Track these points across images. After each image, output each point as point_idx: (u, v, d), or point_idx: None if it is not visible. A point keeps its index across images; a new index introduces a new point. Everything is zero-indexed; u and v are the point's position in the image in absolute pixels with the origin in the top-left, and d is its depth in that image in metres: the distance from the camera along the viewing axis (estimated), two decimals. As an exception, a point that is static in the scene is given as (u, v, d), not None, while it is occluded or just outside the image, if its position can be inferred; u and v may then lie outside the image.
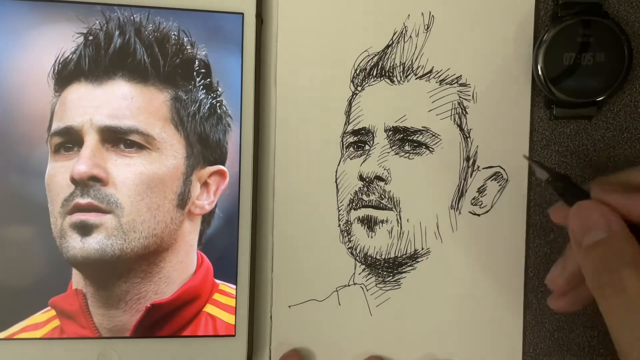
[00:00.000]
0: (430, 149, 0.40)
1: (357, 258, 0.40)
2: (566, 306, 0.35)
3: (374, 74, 0.40)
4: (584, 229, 0.32)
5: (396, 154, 0.40)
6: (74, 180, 0.36)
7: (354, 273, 0.40)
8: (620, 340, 0.30)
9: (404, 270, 0.40)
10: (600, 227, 0.31)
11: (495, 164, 0.41)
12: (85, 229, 0.37)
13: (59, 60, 0.37)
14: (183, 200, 0.38)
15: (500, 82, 0.40)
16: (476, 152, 0.40)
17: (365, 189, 0.40)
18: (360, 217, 0.40)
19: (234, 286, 0.38)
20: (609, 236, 0.31)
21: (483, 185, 0.41)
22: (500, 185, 0.41)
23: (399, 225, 0.40)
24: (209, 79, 0.38)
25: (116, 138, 0.37)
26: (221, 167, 0.38)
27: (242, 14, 0.38)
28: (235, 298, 0.38)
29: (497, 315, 0.41)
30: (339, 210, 0.40)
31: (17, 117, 0.37)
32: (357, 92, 0.40)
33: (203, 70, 0.38)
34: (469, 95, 0.40)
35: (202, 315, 0.38)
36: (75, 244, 0.37)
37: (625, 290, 0.30)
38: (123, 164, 0.37)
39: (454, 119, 0.40)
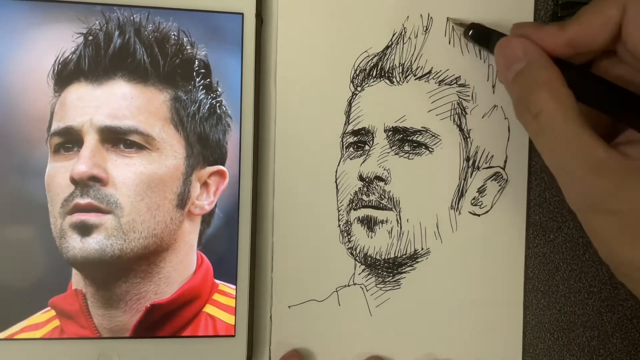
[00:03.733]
0: (430, 149, 0.40)
1: (357, 258, 0.40)
2: None
3: (374, 74, 0.40)
4: (507, 63, 0.33)
5: (396, 154, 0.40)
6: (73, 181, 0.36)
7: (354, 273, 0.40)
8: (546, 162, 0.31)
9: (403, 270, 0.40)
10: (519, 57, 0.32)
11: (495, 164, 0.41)
12: (85, 229, 0.37)
13: (59, 60, 0.37)
14: (183, 201, 0.38)
15: (500, 83, 0.40)
16: (476, 152, 0.40)
17: (365, 189, 0.40)
18: (360, 217, 0.40)
19: (234, 286, 0.38)
20: (527, 64, 0.32)
21: (483, 185, 0.41)
22: (500, 185, 0.41)
23: (399, 225, 0.40)
24: (208, 79, 0.38)
25: (116, 138, 0.37)
26: (221, 167, 0.38)
27: (242, 14, 0.38)
28: (235, 298, 0.38)
29: (497, 315, 0.41)
30: (339, 211, 0.40)
31: (17, 117, 0.37)
32: (357, 92, 0.40)
33: (203, 71, 0.38)
34: (469, 96, 0.40)
35: (202, 316, 0.38)
36: (75, 244, 0.37)
37: (540, 113, 0.30)
38: (123, 164, 0.37)
39: (454, 119, 0.40)
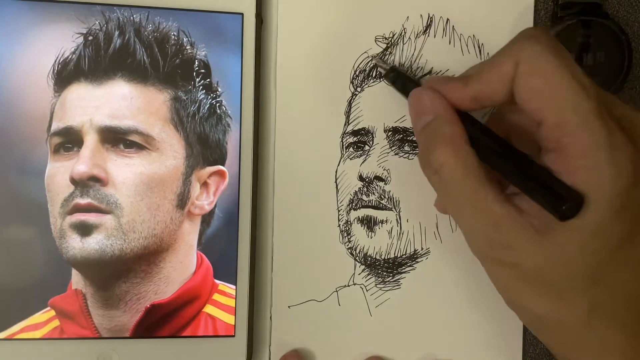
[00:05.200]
0: (430, 149, 0.40)
1: (357, 258, 0.40)
2: None
3: (374, 75, 0.40)
4: (417, 114, 0.34)
5: (396, 154, 0.40)
6: (73, 181, 0.36)
7: (354, 273, 0.40)
8: (450, 212, 0.33)
9: (403, 270, 0.40)
10: (427, 110, 0.33)
11: (495, 164, 0.41)
12: (85, 229, 0.37)
13: (59, 60, 0.37)
14: (183, 201, 0.38)
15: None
16: (476, 152, 0.40)
17: (365, 189, 0.40)
18: (360, 217, 0.40)
19: (234, 286, 0.38)
20: (433, 119, 0.33)
21: (483, 185, 0.40)
22: (500, 185, 0.41)
23: (399, 225, 0.40)
24: (208, 79, 0.38)
25: (116, 138, 0.37)
26: (221, 167, 0.38)
27: (242, 14, 0.38)
28: (235, 298, 0.38)
29: (497, 315, 0.41)
30: (339, 211, 0.40)
31: (17, 117, 0.37)
32: (357, 92, 0.40)
33: (203, 71, 0.38)
34: (469, 96, 0.40)
35: (201, 316, 0.38)
36: (75, 244, 0.37)
37: (440, 168, 0.31)
38: (123, 164, 0.37)
39: (454, 119, 0.40)
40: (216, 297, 0.38)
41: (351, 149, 0.40)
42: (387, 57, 0.40)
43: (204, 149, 0.38)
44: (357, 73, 0.40)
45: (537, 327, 0.32)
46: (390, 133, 0.40)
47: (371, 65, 0.40)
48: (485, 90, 0.32)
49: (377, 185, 0.40)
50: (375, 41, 0.40)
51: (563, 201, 0.29)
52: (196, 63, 0.38)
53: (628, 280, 0.29)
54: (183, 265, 0.38)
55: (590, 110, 0.29)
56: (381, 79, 0.40)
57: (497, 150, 0.32)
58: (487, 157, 0.31)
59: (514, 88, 0.31)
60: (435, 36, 0.40)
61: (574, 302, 0.29)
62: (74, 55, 0.37)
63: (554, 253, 0.29)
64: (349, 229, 0.40)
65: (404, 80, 0.37)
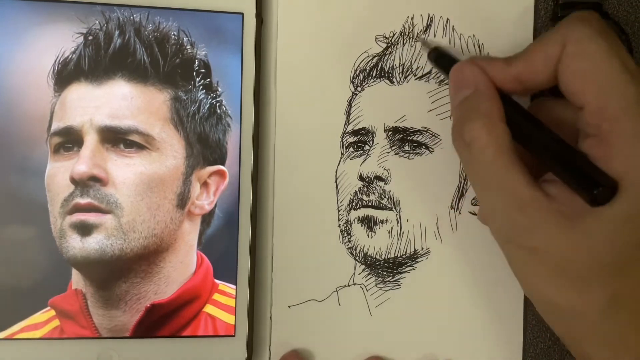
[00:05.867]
0: (430, 149, 0.40)
1: (357, 258, 0.40)
2: None
3: (374, 74, 0.40)
4: (457, 87, 0.33)
5: (396, 154, 0.40)
6: (73, 181, 0.36)
7: (354, 273, 0.40)
8: (474, 189, 0.32)
9: (403, 270, 0.40)
10: (468, 84, 0.33)
11: (495, 164, 0.41)
12: (85, 229, 0.37)
13: (59, 60, 0.37)
14: (183, 201, 0.38)
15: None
16: (476, 152, 0.40)
17: (365, 189, 0.40)
18: (360, 217, 0.40)
19: (234, 286, 0.38)
20: (473, 92, 0.32)
21: (483, 185, 0.40)
22: (500, 185, 0.41)
23: (399, 225, 0.40)
24: (208, 79, 0.38)
25: (116, 138, 0.37)
26: (221, 167, 0.38)
27: (242, 14, 0.38)
28: (235, 298, 0.38)
29: (497, 315, 0.41)
30: (339, 210, 0.40)
31: (17, 117, 0.37)
32: (357, 92, 0.40)
33: (203, 70, 0.38)
34: (469, 96, 0.40)
35: (201, 316, 0.38)
36: (75, 244, 0.37)
37: (472, 143, 0.31)
38: (123, 164, 0.37)
39: (454, 119, 0.40)
40: (216, 297, 0.38)
41: (351, 149, 0.40)
42: (406, 54, 0.40)
43: (204, 148, 0.38)
44: (357, 73, 0.40)
45: (552, 315, 0.31)
46: (390, 133, 0.40)
47: (372, 65, 0.40)
48: (529, 71, 0.31)
49: (377, 185, 0.40)
50: (376, 41, 0.40)
51: (596, 186, 0.28)
52: (196, 63, 0.38)
53: None
54: (183, 265, 0.38)
55: (635, 96, 0.28)
56: (381, 79, 0.40)
57: (534, 131, 0.31)
58: (522, 138, 0.31)
59: (559, 69, 0.30)
60: (435, 36, 0.40)
61: (595, 292, 0.28)
62: (74, 55, 0.37)
63: (580, 241, 0.28)
64: (349, 228, 0.40)
65: (447, 58, 0.36)
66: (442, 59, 0.37)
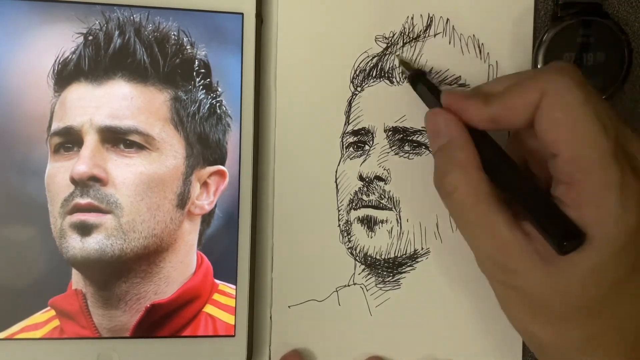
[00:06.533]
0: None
1: (357, 258, 0.40)
2: None
3: (374, 74, 0.40)
4: (433, 135, 0.35)
5: (396, 154, 0.40)
6: (73, 181, 0.36)
7: (354, 273, 0.40)
8: (461, 233, 0.33)
9: (403, 270, 0.40)
10: (442, 133, 0.34)
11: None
12: (85, 229, 0.37)
13: (59, 60, 0.37)
14: (183, 201, 0.38)
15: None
16: (476, 152, 0.40)
17: (365, 189, 0.40)
18: (360, 217, 0.40)
19: (234, 286, 0.38)
20: (447, 142, 0.33)
21: (483, 185, 0.40)
22: (500, 185, 0.41)
23: (399, 225, 0.40)
24: (208, 79, 0.38)
25: (116, 138, 0.37)
26: (221, 167, 0.38)
27: (242, 14, 0.38)
28: (235, 298, 0.38)
29: (497, 315, 0.40)
30: (339, 210, 0.40)
31: (17, 117, 0.37)
32: (357, 92, 0.40)
33: (203, 70, 0.38)
34: (469, 96, 0.40)
35: (201, 316, 0.38)
36: (75, 244, 0.37)
37: (452, 192, 0.32)
38: (123, 164, 0.37)
39: (454, 119, 0.40)
40: (216, 297, 0.38)
41: (351, 149, 0.40)
42: (406, 54, 0.40)
43: (204, 148, 0.38)
44: (357, 73, 0.40)
45: (536, 348, 0.33)
46: (390, 133, 0.40)
47: (371, 65, 0.40)
48: (507, 114, 0.32)
49: (377, 185, 0.40)
50: (376, 41, 0.40)
51: (564, 237, 0.29)
52: (196, 63, 0.38)
53: (625, 315, 0.30)
54: (183, 265, 0.38)
55: (607, 150, 0.29)
56: (381, 79, 0.40)
57: (509, 177, 0.32)
58: (498, 181, 0.32)
59: (536, 116, 0.31)
60: (435, 36, 0.40)
61: (571, 330, 0.30)
62: (74, 55, 0.37)
63: (555, 282, 0.30)
64: (349, 228, 0.40)
65: (424, 87, 0.37)
66: (420, 86, 0.37)
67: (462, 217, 0.33)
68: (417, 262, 0.40)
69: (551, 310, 0.30)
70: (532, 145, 0.34)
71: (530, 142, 0.34)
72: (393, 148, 0.40)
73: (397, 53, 0.40)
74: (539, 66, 0.39)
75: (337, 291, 0.40)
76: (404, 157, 0.40)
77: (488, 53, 0.40)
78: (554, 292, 0.30)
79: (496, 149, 0.33)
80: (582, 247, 0.29)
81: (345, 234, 0.40)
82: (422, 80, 0.38)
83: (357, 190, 0.40)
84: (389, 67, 0.40)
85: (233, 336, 0.38)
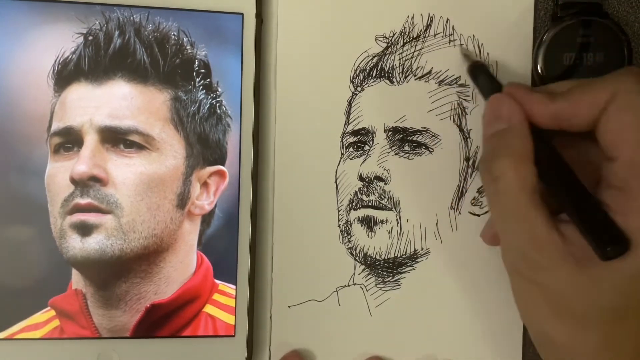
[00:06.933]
0: (430, 149, 0.40)
1: (357, 258, 0.40)
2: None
3: (374, 74, 0.40)
4: (491, 119, 0.34)
5: (396, 154, 0.40)
6: (73, 181, 0.36)
7: (354, 273, 0.40)
8: (493, 220, 0.33)
9: (403, 270, 0.40)
10: (503, 118, 0.33)
11: (495, 164, 0.40)
12: (85, 229, 0.37)
13: (59, 60, 0.37)
14: (183, 201, 0.38)
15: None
16: (476, 152, 0.40)
17: (365, 189, 0.40)
18: (360, 217, 0.40)
19: (234, 286, 0.38)
20: (507, 128, 0.33)
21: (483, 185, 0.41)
22: (500, 185, 0.41)
23: (399, 225, 0.40)
24: (208, 79, 0.38)
25: (116, 138, 0.37)
26: (221, 167, 0.38)
27: (242, 14, 0.38)
28: (235, 298, 0.38)
29: (497, 315, 0.41)
30: (339, 211, 0.40)
31: (17, 117, 0.37)
32: (357, 92, 0.40)
33: (203, 71, 0.38)
34: (469, 96, 0.40)
35: (201, 316, 0.38)
36: (75, 244, 0.37)
37: (499, 178, 0.32)
38: (123, 164, 0.37)
39: (454, 119, 0.40)
40: (216, 297, 0.38)
41: (351, 149, 0.40)
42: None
43: (204, 149, 0.38)
44: (357, 72, 0.40)
45: (545, 348, 0.33)
46: (390, 133, 0.40)
47: (372, 65, 0.40)
48: (571, 112, 0.32)
49: (377, 185, 0.40)
50: (376, 40, 0.40)
51: (609, 243, 0.29)
52: (196, 63, 0.38)
53: None
54: (183, 265, 0.38)
55: None
56: (381, 79, 0.40)
57: (559, 176, 0.32)
58: (547, 179, 0.32)
59: (602, 117, 0.31)
60: (435, 36, 0.40)
61: (590, 334, 0.30)
62: (74, 55, 0.37)
63: (587, 285, 0.29)
64: (349, 229, 0.40)
65: (487, 78, 0.37)
66: (482, 77, 0.37)
67: (502, 206, 0.32)
68: (417, 262, 0.40)
69: (575, 311, 0.30)
70: (580, 148, 0.34)
71: (580, 144, 0.34)
72: (393, 148, 0.40)
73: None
74: (539, 66, 0.39)
75: (337, 291, 0.40)
76: (404, 157, 0.40)
77: (488, 53, 0.40)
78: (583, 295, 0.30)
79: (551, 147, 0.33)
80: (625, 254, 0.29)
81: (345, 234, 0.40)
82: (483, 72, 0.37)
83: (357, 190, 0.40)
84: (389, 67, 0.40)
85: (233, 336, 0.38)
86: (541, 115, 0.32)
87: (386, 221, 0.40)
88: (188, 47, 0.38)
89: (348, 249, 0.40)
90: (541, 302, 0.31)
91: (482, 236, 0.38)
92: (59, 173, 0.37)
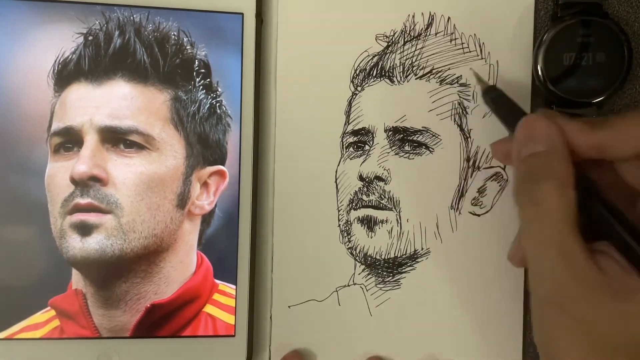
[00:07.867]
0: (430, 149, 0.40)
1: (357, 258, 0.40)
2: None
3: (374, 74, 0.40)
4: (526, 139, 0.32)
5: (396, 154, 0.40)
6: (73, 181, 0.36)
7: (354, 273, 0.40)
8: (526, 245, 0.31)
9: (403, 270, 0.40)
10: (542, 140, 0.32)
11: (495, 164, 0.40)
12: (85, 229, 0.37)
13: (59, 60, 0.37)
14: (183, 201, 0.38)
15: (500, 83, 0.40)
16: (476, 152, 0.40)
17: (365, 189, 0.40)
18: (360, 217, 0.40)
19: (234, 286, 0.38)
20: (546, 150, 0.31)
21: (483, 185, 0.41)
22: (500, 185, 0.41)
23: (399, 225, 0.40)
24: (208, 79, 0.38)
25: (116, 138, 0.37)
26: (221, 167, 0.38)
27: (242, 14, 0.38)
28: (235, 298, 0.38)
29: (497, 315, 0.41)
30: (339, 210, 0.40)
31: (17, 117, 0.37)
32: (357, 92, 0.40)
33: (203, 71, 0.38)
34: (469, 96, 0.40)
35: (201, 316, 0.38)
36: (75, 244, 0.37)
37: (540, 203, 0.30)
38: (123, 164, 0.37)
39: (454, 119, 0.40)
40: (216, 297, 0.38)
41: (351, 149, 0.40)
42: (407, 52, 0.40)
43: (204, 148, 0.38)
44: (357, 72, 0.40)
45: None
46: (390, 133, 0.40)
47: (372, 64, 0.40)
48: (616, 141, 0.30)
49: (377, 185, 0.40)
50: (376, 40, 0.40)
51: None
52: (196, 63, 0.38)
53: None
54: (183, 265, 0.38)
55: None
56: (381, 79, 0.40)
57: (599, 202, 0.31)
58: (586, 207, 0.31)
59: None
60: (436, 35, 0.40)
61: None
62: (74, 55, 0.37)
63: (624, 318, 0.29)
64: (349, 228, 0.40)
65: (506, 103, 0.35)
66: (500, 102, 0.35)
67: (539, 232, 0.30)
68: (417, 262, 0.40)
69: (605, 344, 0.29)
70: (611, 177, 0.33)
71: (611, 174, 0.33)
72: (393, 148, 0.40)
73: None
74: (539, 66, 0.39)
75: (337, 291, 0.40)
76: (404, 157, 0.40)
77: (489, 52, 0.40)
78: (620, 327, 0.29)
79: (586, 174, 0.31)
80: None
81: (345, 234, 0.40)
82: (500, 94, 0.35)
83: (357, 190, 0.40)
84: (390, 66, 0.40)
85: (233, 336, 0.38)
86: (582, 144, 0.31)
87: (386, 221, 0.40)
88: (188, 47, 0.38)
89: (348, 248, 0.40)
90: (571, 332, 0.30)
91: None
92: (59, 173, 0.37)
